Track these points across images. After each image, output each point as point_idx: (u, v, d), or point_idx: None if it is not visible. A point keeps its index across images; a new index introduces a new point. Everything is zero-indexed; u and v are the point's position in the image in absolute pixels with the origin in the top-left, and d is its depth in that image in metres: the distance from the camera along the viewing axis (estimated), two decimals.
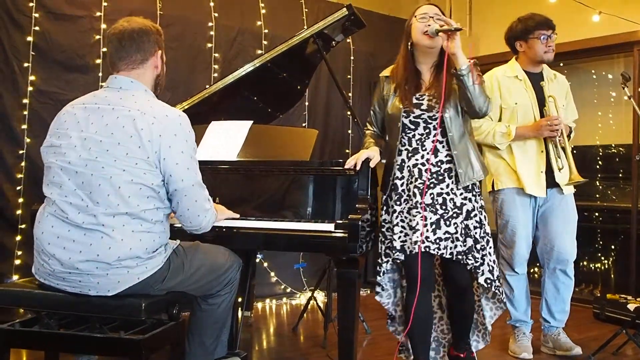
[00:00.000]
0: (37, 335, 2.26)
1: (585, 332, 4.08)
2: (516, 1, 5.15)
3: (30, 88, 4.10)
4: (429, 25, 2.69)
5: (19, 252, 4.02)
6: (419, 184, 2.72)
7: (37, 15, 4.12)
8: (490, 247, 2.80)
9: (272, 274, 5.13)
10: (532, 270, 5.28)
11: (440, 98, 2.69)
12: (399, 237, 2.76)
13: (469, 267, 2.70)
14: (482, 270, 2.74)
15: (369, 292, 5.21)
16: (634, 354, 3.61)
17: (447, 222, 2.69)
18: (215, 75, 4.82)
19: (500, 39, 3.64)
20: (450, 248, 2.67)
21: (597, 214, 5.61)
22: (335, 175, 2.77)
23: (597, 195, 5.71)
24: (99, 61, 4.26)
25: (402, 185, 2.79)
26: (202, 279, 2.42)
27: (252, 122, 3.13)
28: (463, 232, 2.69)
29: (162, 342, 2.30)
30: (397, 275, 2.96)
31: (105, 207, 2.15)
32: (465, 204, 2.73)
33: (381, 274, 2.88)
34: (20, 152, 4.08)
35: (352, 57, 5.69)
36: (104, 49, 2.40)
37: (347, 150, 5.59)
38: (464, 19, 6.28)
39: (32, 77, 4.11)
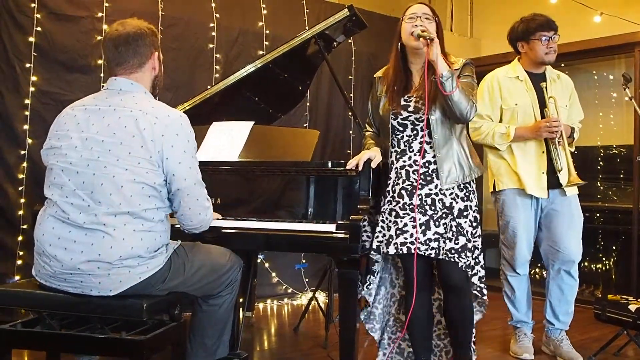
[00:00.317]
0: (39, 335, 2.27)
1: (586, 333, 4.08)
2: (517, 2, 5.15)
3: (32, 88, 4.10)
4: (416, 26, 2.67)
5: (21, 253, 4.02)
6: (407, 185, 2.71)
7: (38, 15, 4.12)
8: (480, 247, 2.78)
9: (274, 274, 5.13)
10: (533, 271, 5.28)
11: (431, 99, 2.68)
12: (377, 237, 2.75)
13: (460, 265, 2.66)
14: (476, 270, 2.73)
15: None
16: (635, 355, 3.61)
17: (437, 223, 2.66)
18: (217, 75, 4.81)
19: (502, 40, 3.64)
20: (441, 248, 2.65)
21: (598, 214, 5.61)
22: (336, 175, 2.77)
23: (599, 196, 5.71)
24: (100, 62, 4.26)
25: (388, 186, 2.79)
26: (203, 279, 2.42)
27: (253, 122, 3.13)
28: (455, 230, 2.66)
29: (163, 342, 2.30)
30: (385, 273, 2.94)
31: (107, 206, 2.16)
32: (457, 203, 2.70)
33: (375, 275, 2.86)
34: (22, 152, 4.08)
35: (353, 58, 5.68)
36: (103, 49, 2.40)
37: (348, 151, 5.59)
38: (466, 20, 6.29)
39: (33, 78, 4.11)
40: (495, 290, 4.13)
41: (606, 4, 5.03)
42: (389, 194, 2.77)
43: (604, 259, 5.57)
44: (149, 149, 2.19)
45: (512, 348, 3.62)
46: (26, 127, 4.08)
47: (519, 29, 3.49)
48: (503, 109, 3.50)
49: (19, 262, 4.01)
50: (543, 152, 3.40)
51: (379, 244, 2.73)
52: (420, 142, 2.73)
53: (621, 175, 5.61)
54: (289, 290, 5.19)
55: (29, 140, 4.08)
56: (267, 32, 5.12)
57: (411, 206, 2.67)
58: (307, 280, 5.28)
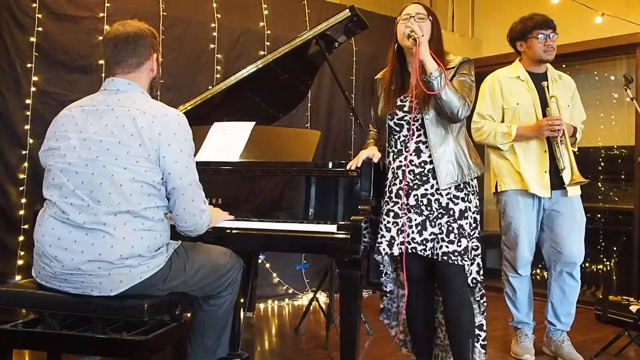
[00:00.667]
0: (40, 335, 2.27)
1: (587, 334, 4.08)
2: (519, 2, 5.15)
3: (33, 88, 4.11)
4: (408, 26, 2.66)
5: (22, 253, 4.02)
6: (403, 185, 2.70)
7: (40, 15, 4.12)
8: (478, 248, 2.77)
9: (274, 274, 5.13)
10: (534, 272, 5.27)
11: (421, 100, 2.67)
12: (378, 240, 2.74)
13: (464, 268, 2.65)
14: (471, 270, 2.72)
15: (370, 293, 5.21)
16: (636, 356, 3.61)
17: (432, 223, 2.65)
18: (218, 76, 4.82)
19: (503, 41, 3.64)
20: (436, 249, 2.63)
21: (599, 215, 5.61)
22: (337, 176, 2.77)
23: (600, 197, 5.71)
24: (101, 62, 4.26)
25: (387, 186, 2.79)
26: (203, 279, 2.42)
27: (254, 123, 3.13)
28: (457, 233, 2.64)
29: (164, 343, 2.30)
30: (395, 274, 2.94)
31: (106, 205, 2.16)
32: (456, 204, 2.68)
33: (383, 275, 2.86)
34: (23, 152, 4.08)
35: (354, 58, 5.69)
36: (102, 48, 2.40)
37: (349, 152, 5.59)
38: (467, 21, 6.29)
39: (35, 78, 4.11)
40: (497, 291, 4.13)
41: (607, 4, 5.03)
42: (386, 195, 2.76)
43: (605, 259, 5.57)
44: (146, 148, 2.19)
45: (513, 349, 3.61)
46: (27, 127, 4.09)
47: (517, 28, 3.51)
48: (504, 109, 3.50)
49: (20, 262, 4.02)
50: (545, 152, 3.40)
51: (378, 245, 2.72)
52: (417, 142, 2.73)
53: (622, 176, 5.62)
54: (290, 291, 5.19)
55: (30, 140, 4.08)
56: (269, 32, 5.12)
57: (408, 206, 2.66)
58: (307, 280, 5.28)
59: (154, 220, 2.24)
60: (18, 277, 3.97)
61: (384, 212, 2.74)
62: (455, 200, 2.68)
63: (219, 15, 4.88)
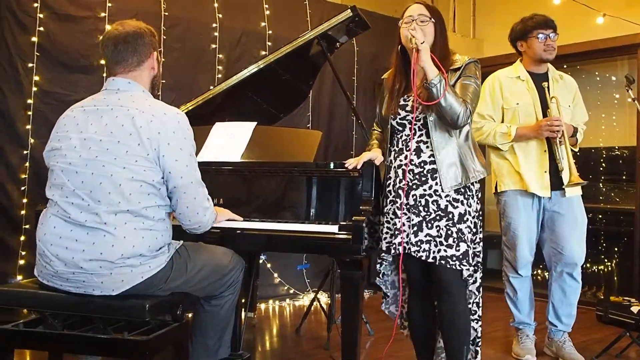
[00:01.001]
0: (41, 335, 2.27)
1: (589, 335, 4.08)
2: (520, 3, 5.15)
3: (34, 88, 4.11)
4: (413, 29, 2.61)
5: (23, 253, 4.03)
6: (403, 185, 2.67)
7: (41, 15, 4.13)
8: (480, 253, 2.74)
9: (276, 275, 5.13)
10: (535, 273, 5.27)
11: (423, 100, 2.64)
12: (385, 239, 2.72)
13: (463, 274, 2.61)
14: (475, 278, 2.68)
15: (372, 293, 5.21)
16: (638, 357, 3.61)
17: (429, 225, 2.61)
18: (219, 76, 4.82)
19: (504, 41, 3.64)
20: (434, 252, 2.59)
21: (600, 216, 5.61)
22: (339, 176, 2.77)
23: (601, 198, 5.71)
24: (103, 62, 4.25)
25: (388, 186, 2.77)
26: (205, 279, 2.42)
27: (256, 123, 3.13)
28: (456, 237, 2.60)
29: (165, 343, 2.30)
30: (395, 276, 2.91)
31: (106, 205, 2.16)
32: (456, 207, 2.63)
33: (380, 276, 2.83)
34: (25, 152, 4.08)
35: (356, 59, 5.69)
36: (102, 49, 2.41)
37: (351, 152, 5.58)
38: (468, 21, 6.30)
39: (36, 78, 4.12)
40: (498, 292, 4.13)
41: (609, 5, 5.03)
42: (390, 194, 2.75)
43: (606, 260, 5.57)
44: (145, 147, 2.20)
45: (514, 349, 3.61)
46: (28, 126, 4.09)
47: (518, 28, 3.52)
48: (504, 109, 3.51)
49: (21, 262, 4.02)
50: (545, 151, 3.40)
51: (387, 244, 2.70)
52: (417, 142, 2.70)
53: (623, 177, 5.62)
54: (291, 291, 5.19)
55: (32, 140, 4.09)
56: (270, 32, 5.13)
57: (407, 206, 2.65)
58: (309, 280, 5.28)
59: (154, 219, 2.24)
60: (19, 277, 3.97)
61: (385, 212, 2.73)
62: (455, 204, 2.63)
63: (220, 15, 4.88)
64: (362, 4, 3.77)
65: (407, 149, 2.71)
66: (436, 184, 2.64)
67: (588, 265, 5.50)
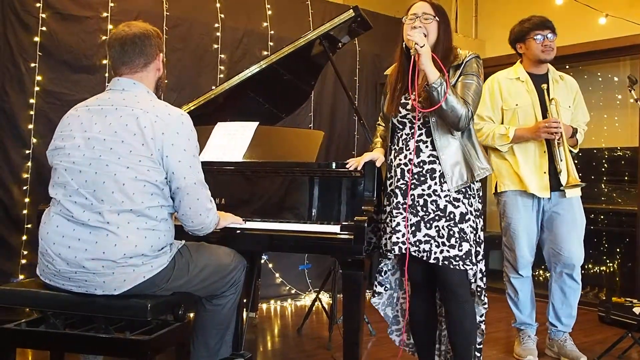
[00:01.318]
0: (43, 335, 2.27)
1: (591, 336, 4.07)
2: (522, 4, 5.15)
3: (37, 88, 4.12)
4: (414, 27, 2.61)
5: (25, 252, 4.03)
6: (401, 184, 2.66)
7: (44, 15, 4.13)
8: (482, 253, 2.71)
9: (277, 275, 5.13)
10: (536, 273, 5.27)
11: (424, 102, 2.61)
12: (386, 237, 2.72)
13: (467, 273, 2.60)
14: (476, 278, 2.66)
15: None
16: (639, 358, 3.61)
17: (428, 225, 2.58)
18: (222, 76, 4.82)
19: (506, 42, 3.64)
20: (436, 253, 2.56)
21: (602, 216, 5.60)
22: (340, 176, 2.77)
23: (603, 198, 5.70)
24: (105, 61, 4.27)
25: (389, 185, 2.75)
26: (207, 279, 2.42)
27: (258, 123, 3.13)
28: (458, 237, 2.57)
29: (167, 342, 2.30)
30: (396, 275, 2.90)
31: (109, 204, 2.17)
32: (457, 207, 2.60)
33: (382, 274, 2.83)
34: (27, 152, 4.09)
35: (358, 59, 5.69)
36: (109, 49, 2.42)
37: (353, 152, 5.58)
38: (470, 21, 6.29)
39: (38, 77, 4.12)
40: (499, 292, 4.13)
41: (611, 5, 5.02)
42: (387, 193, 2.75)
43: (608, 261, 5.56)
44: (149, 147, 2.20)
45: (516, 350, 3.61)
46: (31, 126, 4.10)
47: (516, 30, 3.54)
48: (504, 110, 3.51)
49: (24, 261, 4.02)
50: (545, 152, 3.40)
51: (381, 243, 2.70)
52: (417, 142, 2.68)
53: (625, 178, 5.61)
54: (293, 291, 5.19)
55: (34, 140, 4.09)
56: (272, 32, 5.13)
57: (404, 205, 2.63)
58: (310, 281, 5.29)
59: (157, 219, 2.24)
60: (21, 277, 3.98)
61: (387, 211, 2.72)
62: (456, 204, 2.61)
63: (222, 16, 4.88)
64: (365, 4, 3.77)
65: (407, 148, 2.69)
66: (435, 183, 2.62)
67: (590, 266, 5.49)
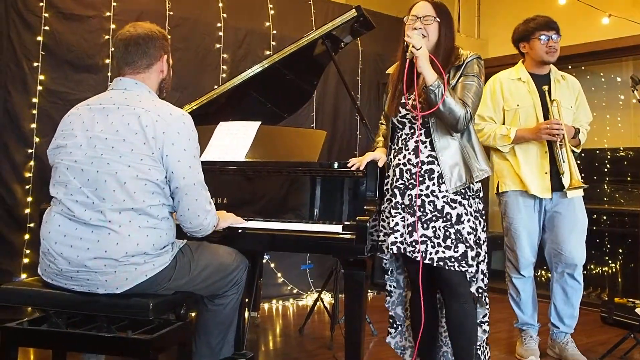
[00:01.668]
0: (45, 334, 2.27)
1: (593, 336, 4.07)
2: (525, 4, 5.14)
3: (39, 87, 4.12)
4: (415, 28, 2.60)
5: (27, 251, 4.04)
6: (400, 184, 2.65)
7: (46, 15, 4.14)
8: (485, 254, 2.69)
9: (279, 274, 5.13)
10: (539, 274, 5.27)
11: (424, 100, 2.60)
12: (379, 237, 2.71)
13: (466, 275, 2.59)
14: (477, 279, 2.64)
15: (375, 294, 5.21)
16: None
17: (424, 225, 2.57)
18: (224, 76, 4.82)
19: (509, 42, 3.63)
20: (431, 254, 2.54)
21: (605, 217, 5.59)
22: (343, 176, 2.77)
23: (605, 199, 5.69)
24: (108, 61, 4.28)
25: (386, 184, 2.75)
26: (208, 278, 2.43)
27: (260, 122, 3.13)
28: (454, 238, 2.56)
29: (169, 342, 2.31)
30: (399, 275, 2.89)
31: (111, 203, 2.17)
32: (454, 208, 2.59)
33: (389, 273, 2.83)
34: (29, 151, 4.10)
35: (360, 59, 5.69)
36: (113, 49, 2.43)
37: (355, 152, 5.59)
38: (473, 21, 6.29)
39: (41, 77, 4.13)
40: (501, 293, 4.13)
41: (614, 5, 5.01)
42: (387, 193, 2.73)
43: (610, 261, 5.55)
44: (150, 146, 2.21)
45: (518, 350, 3.60)
46: (33, 125, 4.10)
47: (520, 30, 3.52)
48: (505, 110, 3.50)
49: (26, 260, 4.03)
50: (546, 152, 3.39)
51: (381, 243, 2.69)
52: (416, 142, 2.67)
53: (628, 178, 5.60)
54: (295, 291, 5.19)
55: (36, 139, 4.10)
56: (274, 32, 5.13)
57: (402, 205, 2.62)
58: (312, 280, 5.28)
59: (158, 218, 2.25)
60: (24, 276, 3.98)
61: (385, 210, 2.72)
62: (453, 205, 2.59)
63: (224, 15, 4.88)
64: (367, 4, 3.77)
65: (406, 148, 2.68)
66: (433, 184, 2.60)
67: (592, 266, 5.48)
